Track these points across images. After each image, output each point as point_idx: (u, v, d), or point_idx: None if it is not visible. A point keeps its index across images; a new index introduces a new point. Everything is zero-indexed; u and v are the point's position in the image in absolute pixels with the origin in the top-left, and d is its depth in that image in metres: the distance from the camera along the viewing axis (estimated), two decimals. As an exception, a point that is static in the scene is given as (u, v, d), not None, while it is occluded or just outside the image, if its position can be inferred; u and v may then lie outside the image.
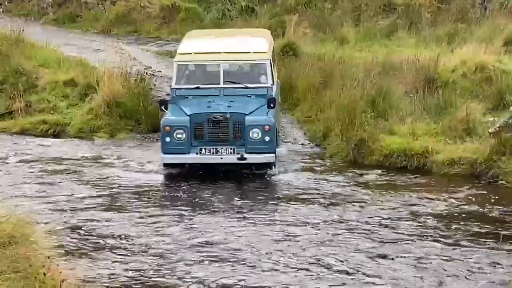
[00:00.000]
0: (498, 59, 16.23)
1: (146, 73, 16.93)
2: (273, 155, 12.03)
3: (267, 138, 11.83)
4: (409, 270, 9.10)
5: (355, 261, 9.28)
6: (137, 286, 8.61)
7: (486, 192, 12.44)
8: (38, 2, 24.62)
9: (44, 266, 7.68)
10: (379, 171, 12.86)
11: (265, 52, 12.86)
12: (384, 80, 15.19)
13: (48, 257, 8.06)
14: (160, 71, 18.43)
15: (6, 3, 25.07)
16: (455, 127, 13.70)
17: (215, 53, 12.80)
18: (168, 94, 14.91)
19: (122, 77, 15.71)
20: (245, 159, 11.82)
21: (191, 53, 12.90)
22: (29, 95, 16.19)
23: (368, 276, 8.92)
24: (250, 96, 12.39)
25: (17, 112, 15.77)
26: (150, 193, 11.73)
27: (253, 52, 12.78)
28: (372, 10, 21.33)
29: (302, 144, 14.21)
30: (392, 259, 9.44)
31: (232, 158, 11.86)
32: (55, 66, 17.25)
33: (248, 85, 12.47)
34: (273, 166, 12.21)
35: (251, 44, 13.25)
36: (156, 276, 8.89)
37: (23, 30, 18.38)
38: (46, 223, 10.18)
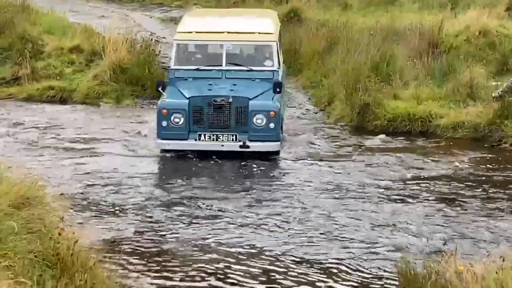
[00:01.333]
0: (501, 23, 16.37)
1: (151, 39, 16.92)
2: (278, 143, 11.41)
3: (272, 125, 11.19)
4: (413, 231, 9.19)
5: (357, 224, 9.32)
6: (145, 248, 8.69)
7: (489, 155, 12.55)
8: None
9: (57, 227, 7.74)
10: (383, 136, 12.89)
11: (271, 33, 12.22)
12: (388, 46, 15.21)
13: (61, 219, 8.14)
14: (165, 38, 18.45)
15: None
16: (459, 91, 13.83)
17: (218, 32, 12.14)
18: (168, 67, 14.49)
19: (127, 43, 15.76)
20: (248, 147, 11.22)
21: (191, 32, 12.18)
22: (35, 61, 16.16)
23: (372, 239, 8.99)
24: (254, 80, 11.71)
25: (24, 79, 15.76)
26: (163, 158, 11.55)
27: (259, 33, 12.13)
28: None
29: (306, 109, 14.30)
30: (397, 220, 9.50)
31: (233, 146, 11.26)
32: (60, 32, 17.28)
33: (253, 68, 11.80)
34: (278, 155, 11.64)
35: (257, 24, 12.62)
36: (166, 240, 8.94)
37: None
38: (58, 187, 10.25)
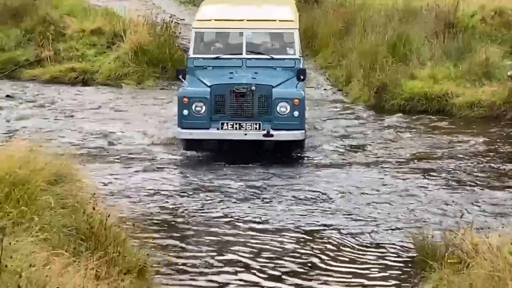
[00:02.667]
0: None
1: (171, 21, 17.03)
2: (303, 131, 11.09)
3: (296, 113, 10.84)
4: (430, 205, 9.39)
5: (378, 201, 9.51)
6: (174, 223, 8.87)
7: (505, 133, 12.73)
8: None
9: (89, 203, 7.93)
10: (400, 115, 13.19)
11: (292, 21, 11.89)
12: (405, 26, 15.38)
13: (93, 194, 8.27)
14: (184, 19, 18.59)
15: None
16: (475, 70, 14.04)
17: (238, 20, 11.79)
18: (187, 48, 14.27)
19: (147, 25, 15.95)
20: (271, 135, 10.87)
21: (210, 20, 11.89)
22: (57, 43, 16.40)
23: (391, 215, 9.15)
24: (275, 69, 11.44)
25: (46, 60, 16.01)
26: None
27: (280, 20, 11.81)
28: None
29: (325, 89, 14.48)
30: (415, 197, 9.70)
31: (257, 135, 10.93)
32: (82, 15, 17.42)
33: (274, 56, 11.53)
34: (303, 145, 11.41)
35: (277, 11, 12.25)
36: (192, 215, 9.12)
37: None
38: (89, 164, 10.29)
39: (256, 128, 10.78)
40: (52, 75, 15.80)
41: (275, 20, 11.66)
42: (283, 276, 8.02)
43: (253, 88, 10.74)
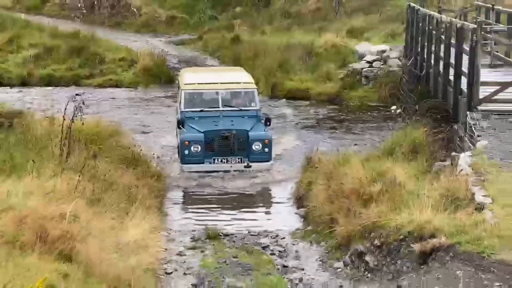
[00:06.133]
0: (343, 40, 19.19)
1: (162, 52, 19.97)
2: (272, 162, 10.94)
3: (266, 150, 10.77)
4: (299, 141, 12.69)
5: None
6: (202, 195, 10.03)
7: (337, 108, 16.02)
8: (100, 15, 27.86)
9: (132, 147, 9.91)
10: (285, 100, 16.57)
11: (252, 83, 11.79)
12: (286, 53, 18.48)
13: (133, 138, 10.79)
14: (168, 51, 21.65)
15: (81, 16, 28.03)
16: (322, 76, 17.58)
17: (214, 83, 11.62)
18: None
19: (150, 55, 19.16)
20: (250, 166, 10.73)
21: (195, 84, 11.63)
22: (101, 65, 19.52)
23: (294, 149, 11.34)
24: (243, 117, 11.23)
25: (96, 75, 19.23)
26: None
27: (243, 82, 11.68)
28: (278, 16, 24.48)
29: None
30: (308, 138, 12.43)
31: (240, 166, 10.76)
32: (113, 50, 20.49)
33: (242, 108, 11.35)
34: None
35: (240, 77, 12.09)
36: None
37: (93, 32, 21.44)
38: (127, 128, 12.35)
39: (238, 162, 10.81)
40: (99, 83, 18.76)
41: (240, 83, 11.69)
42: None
43: (234, 132, 10.75)
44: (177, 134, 11.40)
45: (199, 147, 10.52)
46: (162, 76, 18.76)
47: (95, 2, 27.60)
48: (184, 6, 26.63)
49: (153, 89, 18.33)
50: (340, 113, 15.54)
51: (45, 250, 5.24)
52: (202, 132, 10.59)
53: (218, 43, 22.25)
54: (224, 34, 22.67)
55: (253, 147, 10.56)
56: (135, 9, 27.15)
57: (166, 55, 20.20)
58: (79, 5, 27.77)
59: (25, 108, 12.77)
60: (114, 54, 19.81)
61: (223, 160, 10.67)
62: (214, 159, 10.59)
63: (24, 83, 18.39)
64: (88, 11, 27.73)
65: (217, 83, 11.50)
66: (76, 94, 15.08)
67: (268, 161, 10.67)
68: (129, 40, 22.85)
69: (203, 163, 10.56)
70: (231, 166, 10.61)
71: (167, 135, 12.76)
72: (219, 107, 11.22)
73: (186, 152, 10.53)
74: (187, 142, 10.53)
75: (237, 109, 11.20)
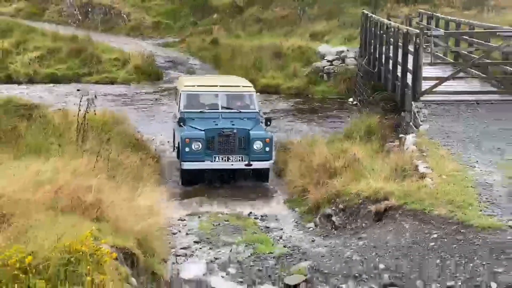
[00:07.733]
0: (307, 43, 19.52)
1: (151, 53, 20.25)
2: (272, 161, 10.13)
3: (267, 149, 9.94)
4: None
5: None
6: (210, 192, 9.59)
7: (302, 101, 16.21)
8: (94, 21, 27.35)
9: (135, 133, 10.36)
10: (259, 93, 14.61)
11: (251, 87, 10.91)
12: (259, 53, 18.92)
13: (138, 131, 10.86)
14: (156, 52, 21.56)
15: (77, 22, 27.67)
16: (290, 74, 18.09)
17: (214, 86, 10.79)
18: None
19: (140, 56, 19.45)
20: (251, 165, 9.90)
21: (194, 86, 10.76)
22: (98, 65, 19.74)
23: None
24: (243, 119, 10.27)
25: (93, 73, 19.48)
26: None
27: (242, 86, 10.86)
28: (251, 21, 24.24)
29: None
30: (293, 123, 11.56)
31: (240, 164, 9.89)
32: (108, 51, 20.71)
33: (242, 110, 10.43)
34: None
35: (238, 81, 11.36)
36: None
37: (89, 36, 21.49)
38: (132, 119, 12.37)
39: (239, 160, 9.89)
40: (96, 80, 18.92)
41: (239, 86, 10.81)
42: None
43: (235, 131, 9.82)
44: (174, 136, 10.79)
45: (200, 144, 9.66)
46: (151, 73, 19.22)
47: (89, 10, 27.52)
48: (168, 12, 26.40)
49: (144, 85, 18.71)
50: (306, 105, 16.08)
51: (80, 214, 5.61)
52: (202, 130, 9.75)
53: (199, 45, 22.30)
54: (204, 37, 22.76)
55: (254, 146, 9.76)
56: (124, 16, 27.02)
57: (154, 55, 20.54)
58: (75, 12, 27.67)
59: (38, 102, 12.62)
60: (108, 55, 20.07)
61: (224, 158, 9.81)
62: (214, 157, 9.72)
63: (30, 80, 18.60)
64: (83, 17, 27.59)
65: (216, 85, 10.69)
66: (77, 90, 15.95)
67: (268, 160, 9.90)
68: (121, 42, 22.72)
69: (203, 161, 9.69)
70: (232, 165, 9.81)
71: (156, 123, 13.14)
72: (218, 109, 10.33)
73: (187, 149, 9.65)
74: (187, 140, 9.66)
75: (236, 111, 10.30)
